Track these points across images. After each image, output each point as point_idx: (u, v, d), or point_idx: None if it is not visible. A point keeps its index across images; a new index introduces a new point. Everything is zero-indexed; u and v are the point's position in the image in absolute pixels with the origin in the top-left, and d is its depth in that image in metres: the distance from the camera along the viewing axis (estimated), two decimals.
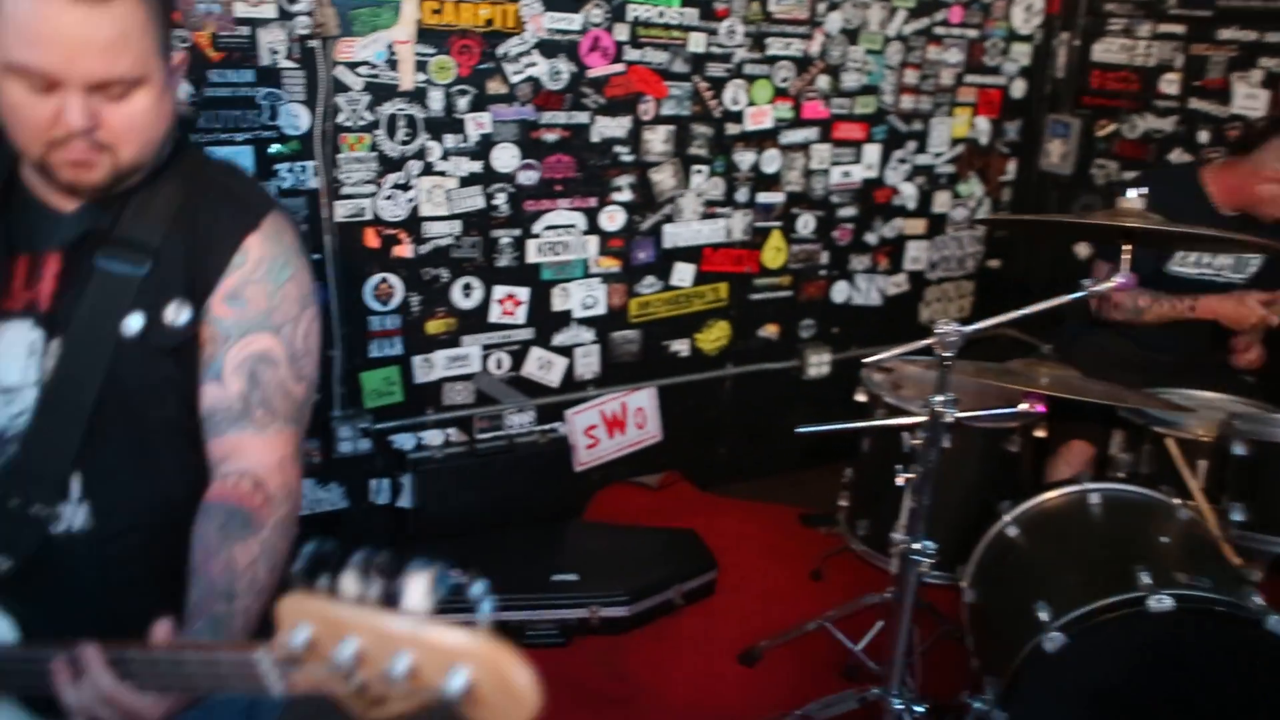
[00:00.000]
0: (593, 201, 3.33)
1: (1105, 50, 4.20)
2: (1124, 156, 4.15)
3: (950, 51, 4.00)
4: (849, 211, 3.95)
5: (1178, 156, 3.91)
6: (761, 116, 3.60)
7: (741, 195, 3.65)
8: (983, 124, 4.22)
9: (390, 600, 0.87)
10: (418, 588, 0.88)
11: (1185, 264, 3.11)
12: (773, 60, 3.56)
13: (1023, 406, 2.41)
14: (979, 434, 2.74)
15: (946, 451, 2.49)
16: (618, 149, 3.33)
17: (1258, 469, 2.37)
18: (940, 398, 2.15)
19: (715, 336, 3.77)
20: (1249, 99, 3.71)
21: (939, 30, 3.93)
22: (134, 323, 1.25)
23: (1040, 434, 2.84)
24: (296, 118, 2.78)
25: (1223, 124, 3.76)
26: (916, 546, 2.28)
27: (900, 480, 2.42)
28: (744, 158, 3.61)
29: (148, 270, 1.26)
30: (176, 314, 1.27)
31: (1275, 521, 2.34)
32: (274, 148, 2.78)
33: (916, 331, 4.31)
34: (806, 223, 3.85)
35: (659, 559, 3.19)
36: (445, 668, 0.83)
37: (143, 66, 1.19)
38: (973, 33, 4.04)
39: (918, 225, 4.17)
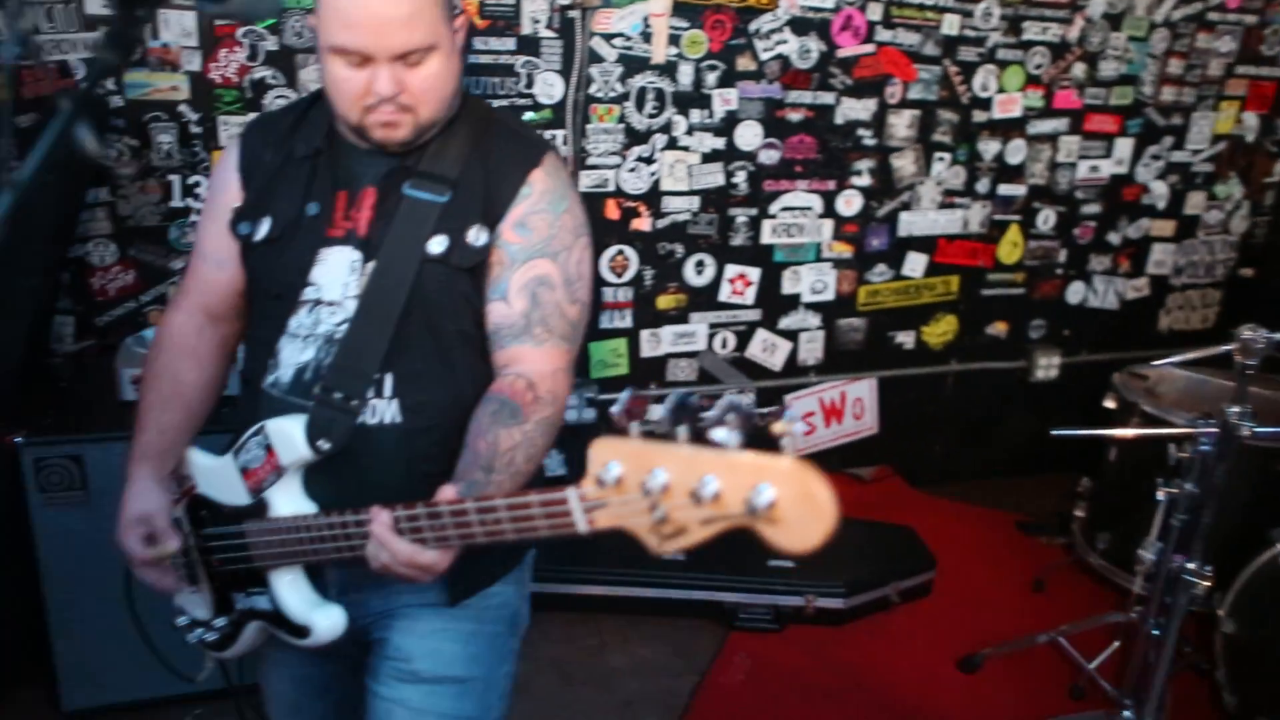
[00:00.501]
0: (831, 184, 3.27)
1: None
2: None
3: (1223, 40, 3.72)
4: (1093, 209, 3.74)
5: None
6: (1010, 104, 3.44)
7: (982, 186, 3.51)
8: (1251, 119, 3.91)
9: (700, 437, 0.94)
10: (727, 423, 0.94)
11: None
12: (1027, 45, 3.40)
13: None
14: (1250, 452, 2.54)
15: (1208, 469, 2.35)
16: (860, 132, 3.26)
17: None
18: (1236, 409, 2.00)
19: (942, 330, 3.65)
20: None
21: (1213, 16, 3.66)
22: (437, 244, 1.40)
23: None
24: (551, 87, 2.84)
25: None
26: (1191, 567, 2.14)
27: (1161, 494, 2.28)
28: (988, 147, 3.47)
29: (449, 198, 1.42)
30: (477, 236, 1.42)
31: None
32: (528, 115, 2.85)
33: (1154, 340, 4.06)
34: (1047, 218, 3.67)
35: (876, 554, 3.12)
36: (750, 487, 0.90)
37: (434, 35, 1.35)
38: (1251, 19, 3.74)
39: (1166, 227, 3.91)
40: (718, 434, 0.94)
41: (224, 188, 1.53)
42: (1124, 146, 3.71)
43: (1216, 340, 4.15)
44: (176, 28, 2.50)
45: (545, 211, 1.44)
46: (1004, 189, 3.55)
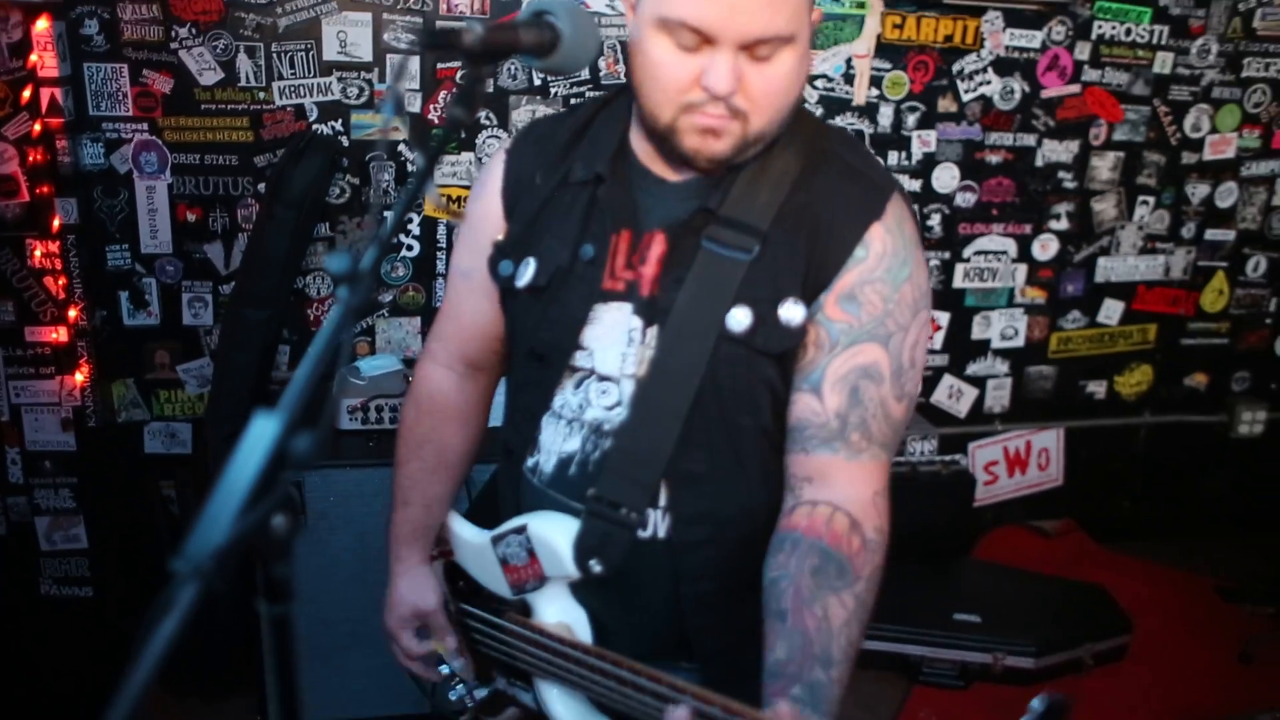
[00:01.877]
0: (1027, 228, 3.26)
1: None
2: None
3: None
4: None
5: None
6: (1224, 145, 3.37)
7: (1187, 231, 3.44)
8: None
9: None
10: None
11: None
12: (1246, 83, 3.32)
13: None
14: None
15: None
16: (1061, 174, 3.24)
17: None
18: None
19: (1136, 380, 3.58)
20: None
21: None
22: (740, 318, 1.15)
23: None
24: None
25: None
26: None
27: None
28: (1197, 190, 3.40)
29: (755, 256, 1.15)
30: (792, 313, 1.15)
31: None
32: None
33: None
34: (1257, 264, 3.56)
35: (1067, 612, 3.08)
36: None
37: (796, 24, 1.08)
38: None
39: None
40: None
41: (484, 215, 1.32)
42: None
43: None
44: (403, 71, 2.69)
45: (882, 281, 1.15)
46: (1211, 234, 3.47)
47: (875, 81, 2.99)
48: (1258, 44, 3.28)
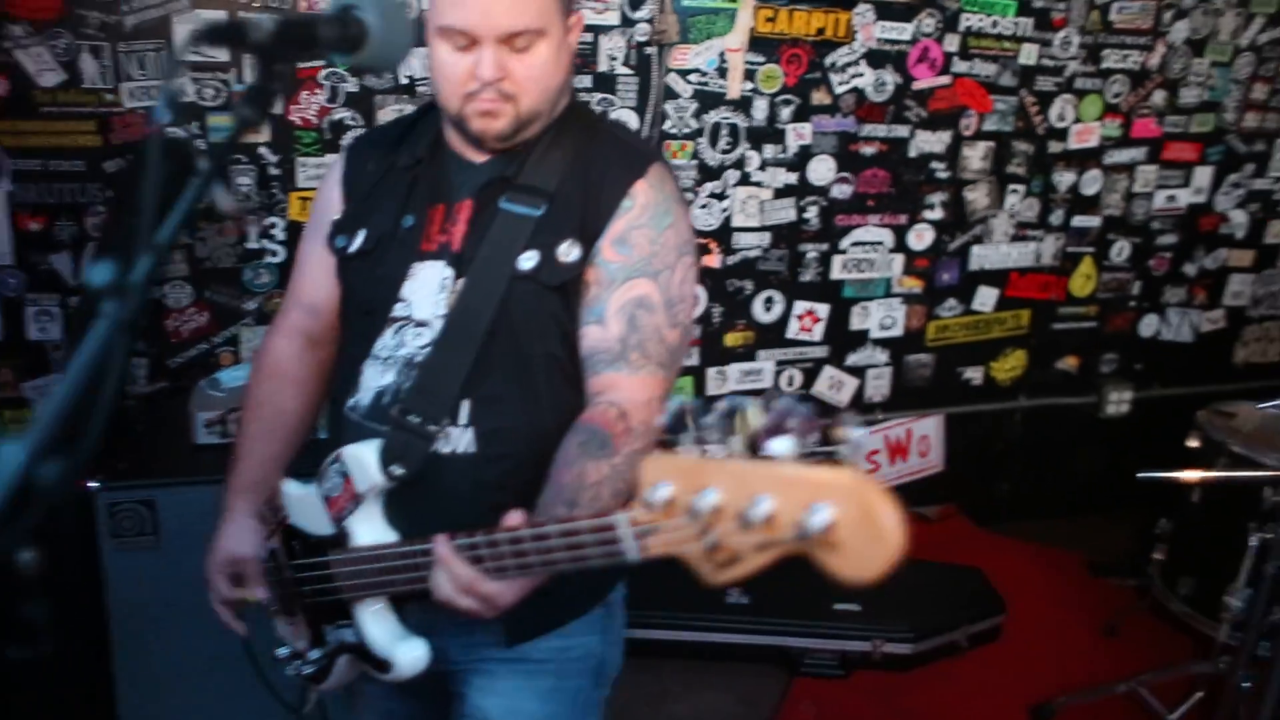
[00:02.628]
0: (903, 219, 3.35)
1: None
2: None
3: None
4: (1169, 239, 3.80)
5: None
6: (1087, 134, 3.51)
7: (1056, 218, 3.58)
8: None
9: (755, 448, 0.89)
10: (787, 430, 0.89)
11: None
12: (1107, 74, 3.46)
13: None
14: None
15: None
16: (934, 165, 3.33)
17: None
18: None
19: (1011, 366, 3.73)
20: None
21: None
22: (528, 259, 1.39)
23: None
24: (627, 124, 2.93)
25: None
26: None
27: (1252, 540, 2.34)
28: (1063, 178, 3.54)
29: (544, 211, 1.41)
30: (568, 252, 1.40)
31: None
32: None
33: (1230, 374, 4.12)
34: (1121, 249, 3.73)
35: (944, 597, 3.20)
36: (805, 506, 0.83)
37: (544, 19, 1.35)
38: None
39: (1244, 257, 3.97)
40: (774, 445, 0.89)
41: (327, 204, 1.57)
42: (1203, 175, 3.76)
43: None
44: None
45: (647, 227, 1.41)
46: (1078, 220, 3.62)
47: (749, 75, 3.02)
48: (1115, 36, 3.43)
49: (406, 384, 1.42)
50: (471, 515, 1.30)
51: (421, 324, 1.43)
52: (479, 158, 1.48)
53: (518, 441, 1.42)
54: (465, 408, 1.41)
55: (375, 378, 1.45)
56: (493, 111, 1.38)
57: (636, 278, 1.40)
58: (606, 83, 2.88)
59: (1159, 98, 3.57)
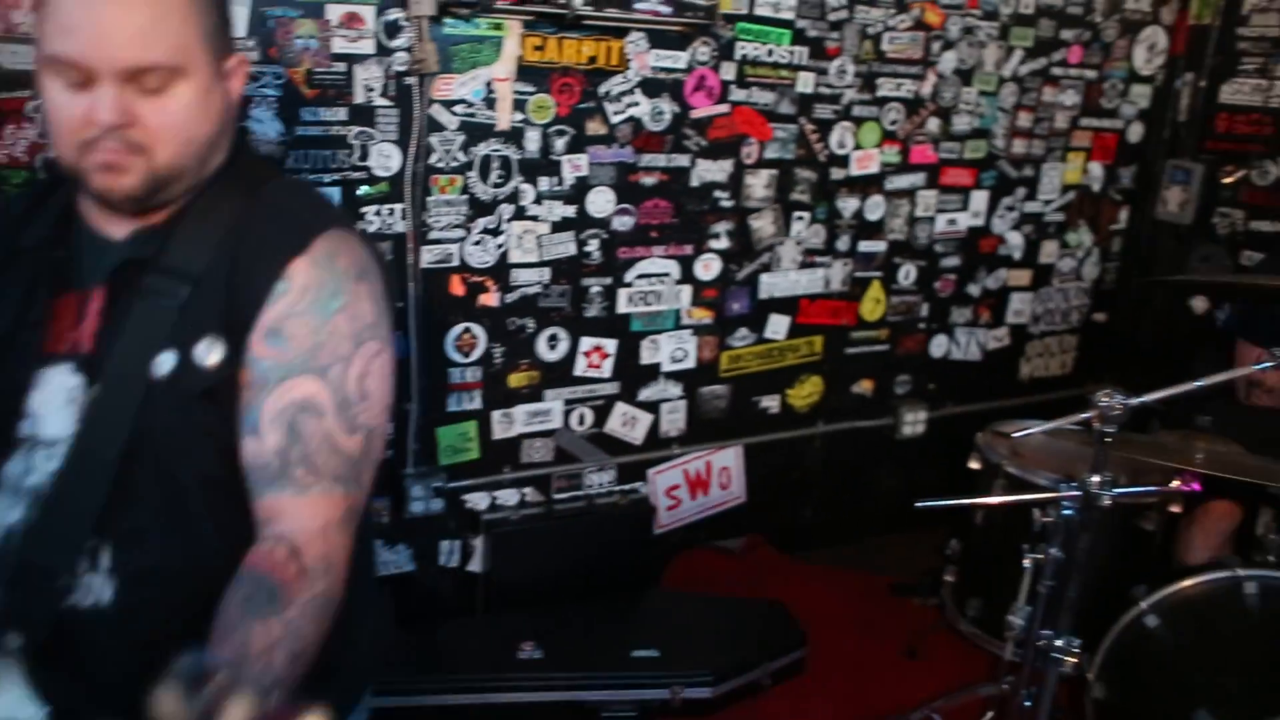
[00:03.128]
0: (688, 249, 3.31)
1: (1235, 92, 4.14)
2: (1253, 205, 4.08)
3: (1066, 93, 3.95)
4: (952, 261, 3.91)
5: None
6: (868, 161, 3.57)
7: (842, 244, 3.62)
8: (1096, 170, 4.17)
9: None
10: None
11: None
12: (882, 102, 3.53)
13: (1175, 484, 2.34)
14: (1114, 509, 2.66)
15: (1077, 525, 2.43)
16: (717, 194, 3.31)
17: None
18: (1097, 478, 2.09)
19: (807, 392, 3.74)
20: None
21: (1056, 71, 3.89)
22: (164, 362, 1.17)
23: (1176, 509, 2.77)
24: (388, 158, 2.78)
25: None
26: (1059, 644, 2.23)
27: (1026, 562, 2.37)
28: (847, 204, 3.58)
29: (185, 300, 1.19)
30: (208, 352, 1.18)
31: None
32: (363, 189, 2.78)
33: (1016, 389, 4.27)
34: (908, 273, 3.81)
35: (745, 635, 3.15)
36: None
37: (181, 56, 1.15)
38: (1091, 74, 3.99)
39: (1022, 276, 4.12)
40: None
41: None
42: (979, 199, 3.89)
43: (1076, 384, 4.42)
44: None
45: (308, 314, 1.19)
46: (864, 245, 3.67)
47: (519, 105, 2.92)
48: (888, 65, 3.49)
49: (26, 520, 1.19)
50: (124, 682, 1.06)
51: (50, 444, 1.19)
52: (118, 232, 1.24)
53: (172, 587, 1.19)
54: (106, 550, 1.18)
55: (2, 514, 1.20)
56: (117, 165, 1.15)
57: (296, 376, 1.18)
58: (364, 115, 2.72)
59: (934, 125, 3.67)
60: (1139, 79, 4.15)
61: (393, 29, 2.69)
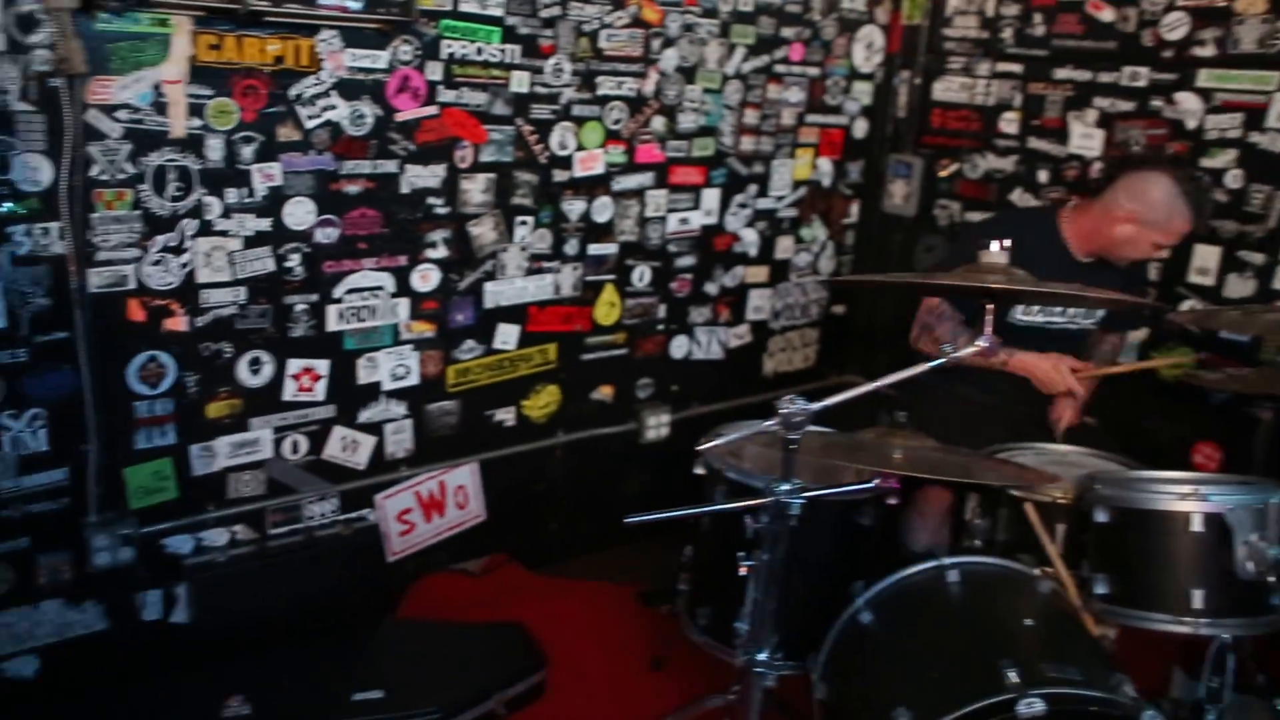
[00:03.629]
0: (403, 260, 3.14)
1: (946, 89, 4.32)
2: (966, 197, 4.27)
3: (791, 90, 4.01)
4: (687, 261, 3.89)
5: (1019, 197, 4.05)
6: (592, 162, 3.49)
7: (571, 248, 3.53)
8: (825, 165, 4.26)
9: None
10: None
11: (1030, 312, 3.17)
12: (604, 101, 3.46)
13: (876, 482, 2.36)
14: (828, 506, 2.68)
15: (802, 523, 2.43)
16: (431, 201, 3.15)
17: (1119, 536, 2.37)
18: (786, 485, 2.06)
19: (544, 402, 3.64)
20: (1085, 138, 3.87)
21: (779, 68, 3.94)
22: None
23: (893, 502, 2.81)
24: (35, 170, 2.48)
25: (1060, 164, 3.91)
26: (760, 658, 2.19)
27: (742, 570, 2.33)
28: (573, 207, 3.49)
29: None
30: None
31: (1139, 593, 2.33)
32: (5, 206, 2.46)
33: (761, 385, 4.32)
34: (642, 274, 3.77)
35: (477, 662, 3.02)
36: None
37: None
38: (814, 71, 4.06)
39: (760, 273, 4.17)
40: None
41: None
42: (711, 197, 3.89)
43: (820, 376, 4.52)
44: None
45: None
46: (594, 249, 3.60)
47: (196, 110, 2.67)
48: (608, 63, 3.43)
49: None
50: None
51: None
52: None
53: None
54: None
55: None
56: None
57: None
58: (3, 122, 2.41)
59: (659, 123, 3.63)
60: (860, 76, 4.27)
61: (27, 22, 2.39)
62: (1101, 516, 2.38)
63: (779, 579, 2.16)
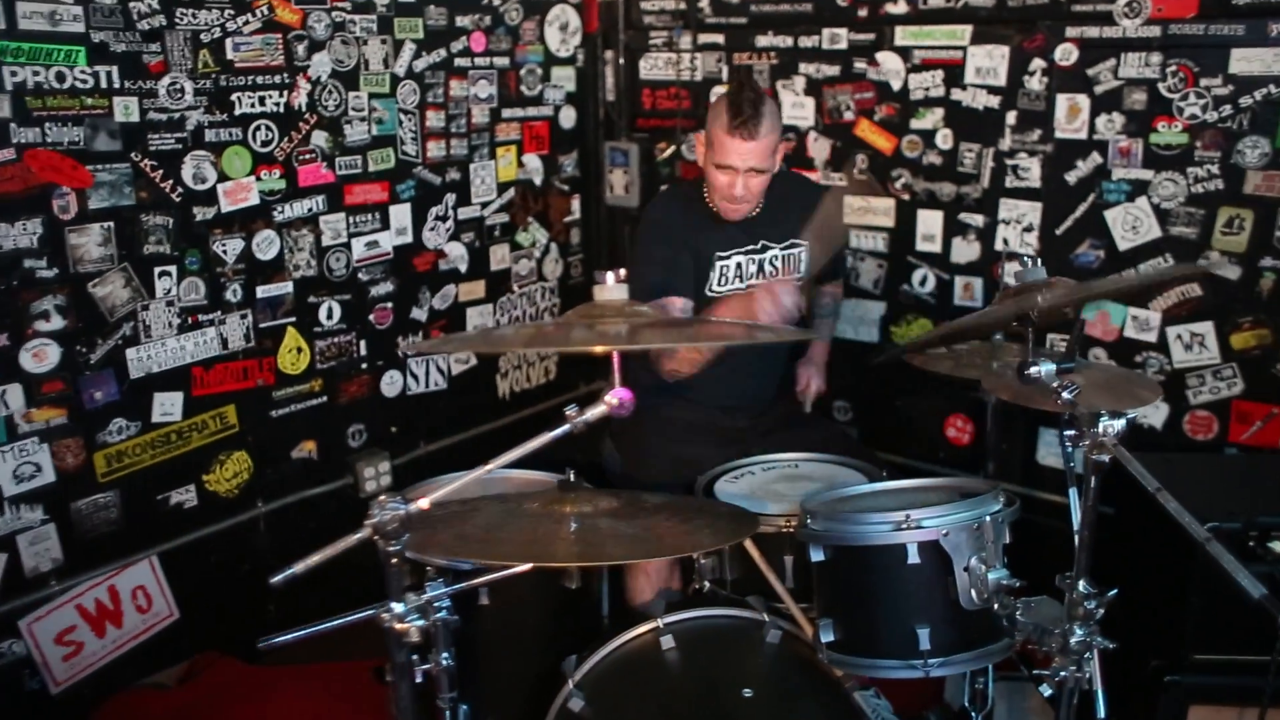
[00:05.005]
0: (4, 339, 2.60)
1: (651, 67, 4.06)
2: (689, 180, 4.02)
3: (479, 85, 3.65)
4: (385, 288, 3.47)
5: None
6: (242, 192, 3.02)
7: (233, 294, 3.06)
8: (534, 162, 3.93)
9: None
10: None
11: (726, 280, 2.93)
12: (245, 121, 3.00)
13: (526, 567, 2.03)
14: (536, 578, 2.33)
15: (496, 601, 2.21)
16: (30, 263, 2.62)
17: (838, 576, 2.10)
18: (399, 606, 1.76)
19: (232, 473, 3.16)
20: (797, 108, 3.68)
21: (461, 62, 3.57)
22: None
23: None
24: None
25: None
26: None
27: (388, 676, 2.03)
28: (227, 246, 3.02)
29: None
30: None
31: (865, 639, 2.07)
32: None
33: (498, 408, 3.96)
34: (330, 311, 3.32)
35: None
36: None
37: None
38: (503, 61, 3.71)
39: (476, 289, 3.79)
40: None
41: None
42: (402, 214, 3.49)
43: (563, 390, 4.19)
44: None
45: None
46: (264, 290, 3.13)
47: None
48: (241, 77, 2.97)
49: None
50: None
51: None
52: None
53: None
54: None
55: None
56: None
57: None
58: None
59: (321, 139, 3.20)
60: (559, 61, 3.95)
61: None
62: (818, 555, 2.09)
63: (470, 674, 1.83)
